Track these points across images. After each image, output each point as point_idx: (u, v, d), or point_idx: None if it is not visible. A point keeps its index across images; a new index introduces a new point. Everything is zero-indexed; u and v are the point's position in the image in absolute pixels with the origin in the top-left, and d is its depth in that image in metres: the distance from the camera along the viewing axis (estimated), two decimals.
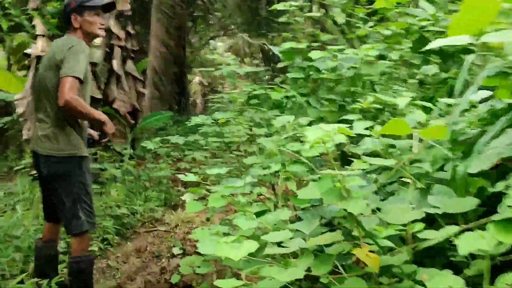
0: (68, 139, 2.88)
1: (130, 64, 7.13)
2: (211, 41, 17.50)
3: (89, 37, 3.05)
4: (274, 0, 12.32)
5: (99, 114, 2.92)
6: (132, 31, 7.18)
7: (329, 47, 3.39)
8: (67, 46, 2.81)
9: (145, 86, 7.37)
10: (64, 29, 3.27)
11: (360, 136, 1.94)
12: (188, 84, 12.76)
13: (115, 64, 6.84)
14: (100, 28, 3.07)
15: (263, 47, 18.88)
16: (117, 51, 6.92)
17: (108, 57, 6.96)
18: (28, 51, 6.49)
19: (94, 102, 6.86)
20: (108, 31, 6.89)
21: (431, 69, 2.83)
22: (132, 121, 7.16)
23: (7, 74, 6.15)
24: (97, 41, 7.36)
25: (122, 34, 6.96)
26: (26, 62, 7.28)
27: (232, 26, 16.87)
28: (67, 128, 2.89)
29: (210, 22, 17.00)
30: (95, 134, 3.29)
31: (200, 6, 13.70)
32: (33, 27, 6.44)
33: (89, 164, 3.03)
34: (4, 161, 8.70)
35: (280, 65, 3.79)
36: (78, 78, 2.72)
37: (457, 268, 1.41)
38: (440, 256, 1.54)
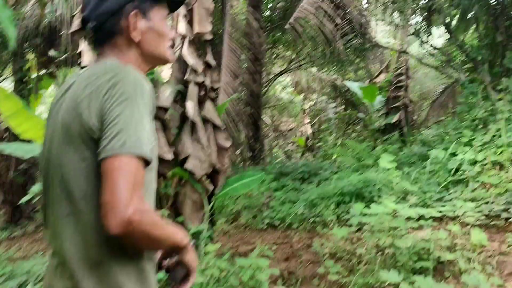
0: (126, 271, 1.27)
1: (209, 108, 5.08)
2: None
3: (151, 63, 1.51)
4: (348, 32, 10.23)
5: (181, 237, 1.36)
6: (213, 62, 5.15)
7: None
8: (108, 85, 1.25)
9: (228, 137, 5.28)
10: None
11: None
12: (262, 127, 10.77)
13: (190, 108, 4.82)
14: (169, 47, 1.54)
15: (334, 82, 16.84)
16: (192, 90, 4.90)
17: (180, 98, 4.98)
18: None
19: (162, 163, 4.86)
20: (180, 60, 4.97)
21: None
22: (211, 186, 5.08)
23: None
24: (164, 73, 5.44)
25: (200, 65, 4.94)
26: None
27: (302, 60, 14.80)
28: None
29: (277, 54, 15.10)
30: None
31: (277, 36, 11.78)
32: (79, 55, 4.57)
33: None
34: None
35: None
36: (143, 158, 1.20)
37: None
38: None
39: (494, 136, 5.88)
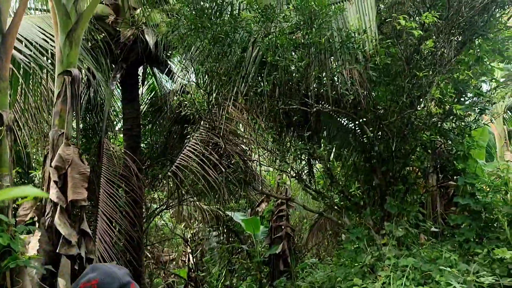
0: None
1: None
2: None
3: None
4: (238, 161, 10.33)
5: None
6: (88, 230, 4.57)
7: None
8: None
9: None
10: None
11: None
12: (143, 274, 9.90)
13: (62, 287, 4.10)
14: None
15: (217, 212, 16.63)
16: (65, 264, 4.22)
17: (50, 274, 4.26)
18: None
19: None
20: (50, 230, 4.33)
21: None
22: None
23: None
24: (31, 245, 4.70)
25: (74, 235, 4.33)
26: None
27: (186, 194, 14.47)
28: None
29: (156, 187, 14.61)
30: None
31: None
32: None
33: None
34: None
35: None
36: None
37: None
38: None
39: (384, 283, 5.87)
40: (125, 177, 8.49)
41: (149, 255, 17.69)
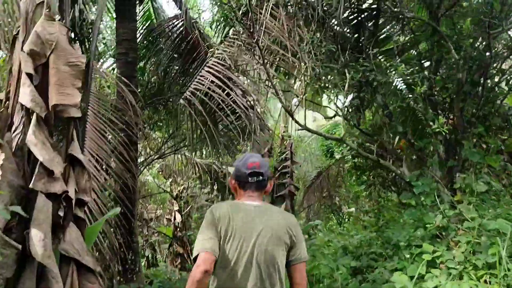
0: None
1: (73, 237, 2.85)
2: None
3: None
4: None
5: None
6: (81, 156, 2.98)
7: None
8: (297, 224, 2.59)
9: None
10: None
11: None
12: (137, 230, 8.35)
13: (37, 241, 2.57)
14: None
15: (210, 166, 15.20)
16: (42, 208, 2.67)
17: (18, 222, 2.70)
18: None
19: None
20: (21, 152, 2.75)
21: None
22: None
23: None
24: None
25: (57, 162, 2.75)
26: None
27: (177, 142, 12.87)
28: None
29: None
30: None
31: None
32: None
33: None
34: None
35: None
36: None
37: None
38: None
39: (463, 252, 4.48)
40: (119, 111, 6.90)
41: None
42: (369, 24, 5.29)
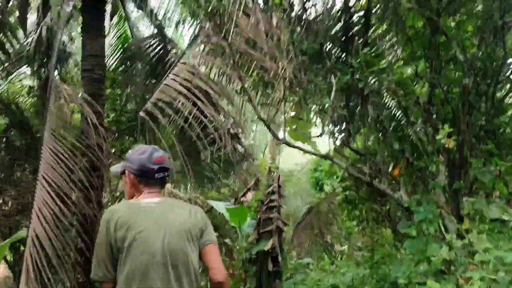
0: None
1: None
2: None
3: None
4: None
5: None
6: None
7: None
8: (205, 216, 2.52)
9: None
10: None
11: None
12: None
13: None
14: None
15: (195, 201, 14.41)
16: None
17: None
18: None
19: None
20: None
21: None
22: None
23: None
24: None
25: None
26: None
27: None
28: None
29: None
30: None
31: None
32: None
33: None
34: None
35: None
36: None
37: None
38: None
39: None
40: (82, 133, 6.18)
41: None
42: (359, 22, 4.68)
